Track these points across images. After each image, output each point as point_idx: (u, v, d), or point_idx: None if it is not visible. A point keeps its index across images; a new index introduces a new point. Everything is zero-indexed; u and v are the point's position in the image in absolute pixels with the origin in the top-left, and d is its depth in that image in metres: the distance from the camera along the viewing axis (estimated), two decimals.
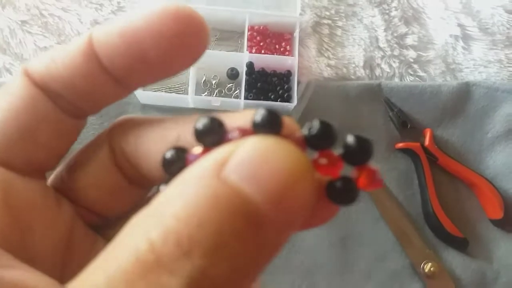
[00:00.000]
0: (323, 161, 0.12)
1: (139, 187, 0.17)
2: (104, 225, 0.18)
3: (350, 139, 0.12)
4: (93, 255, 0.15)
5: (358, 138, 0.12)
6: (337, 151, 0.12)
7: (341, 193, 0.12)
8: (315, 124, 0.12)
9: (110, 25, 0.15)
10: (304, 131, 0.12)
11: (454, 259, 0.50)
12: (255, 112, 0.12)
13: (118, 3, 0.56)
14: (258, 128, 0.12)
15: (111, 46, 0.14)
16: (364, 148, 0.12)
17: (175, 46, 0.14)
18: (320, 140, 0.12)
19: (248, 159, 0.10)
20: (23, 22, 0.54)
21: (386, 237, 0.51)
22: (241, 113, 0.14)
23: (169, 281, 0.09)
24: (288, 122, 0.13)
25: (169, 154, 0.13)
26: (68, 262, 0.16)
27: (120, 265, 0.10)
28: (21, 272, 0.12)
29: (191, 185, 0.10)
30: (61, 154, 0.16)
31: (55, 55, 0.15)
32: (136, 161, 0.16)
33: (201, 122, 0.12)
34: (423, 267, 0.49)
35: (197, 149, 0.12)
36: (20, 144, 0.15)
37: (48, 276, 0.13)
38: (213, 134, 0.12)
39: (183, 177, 0.11)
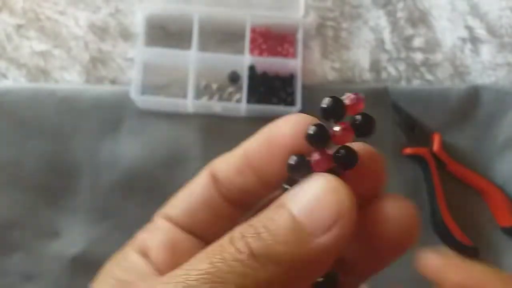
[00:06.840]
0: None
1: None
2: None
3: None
4: None
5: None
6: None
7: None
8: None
9: (233, 161, 0.18)
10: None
11: None
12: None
13: (116, 6, 0.55)
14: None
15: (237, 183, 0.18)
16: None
17: None
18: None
19: (309, 200, 0.15)
20: (20, 26, 0.53)
21: None
22: None
23: (252, 275, 0.14)
24: None
25: (292, 160, 0.16)
26: None
27: (224, 257, 0.14)
28: None
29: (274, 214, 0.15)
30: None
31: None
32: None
33: (312, 129, 0.16)
34: None
35: (316, 155, 0.16)
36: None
37: None
38: (322, 140, 0.16)
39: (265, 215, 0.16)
